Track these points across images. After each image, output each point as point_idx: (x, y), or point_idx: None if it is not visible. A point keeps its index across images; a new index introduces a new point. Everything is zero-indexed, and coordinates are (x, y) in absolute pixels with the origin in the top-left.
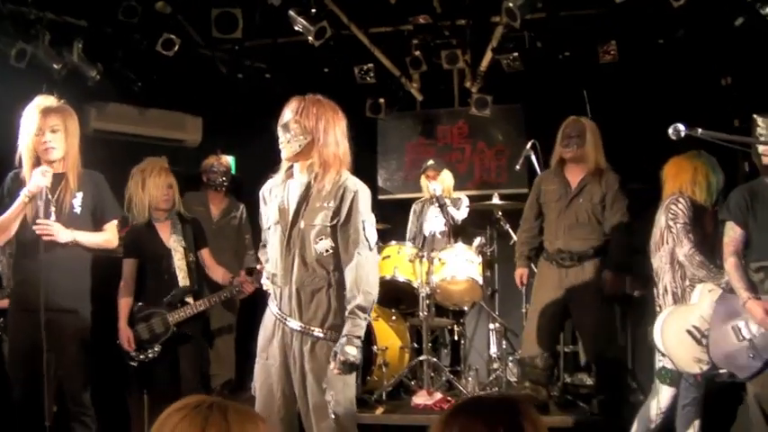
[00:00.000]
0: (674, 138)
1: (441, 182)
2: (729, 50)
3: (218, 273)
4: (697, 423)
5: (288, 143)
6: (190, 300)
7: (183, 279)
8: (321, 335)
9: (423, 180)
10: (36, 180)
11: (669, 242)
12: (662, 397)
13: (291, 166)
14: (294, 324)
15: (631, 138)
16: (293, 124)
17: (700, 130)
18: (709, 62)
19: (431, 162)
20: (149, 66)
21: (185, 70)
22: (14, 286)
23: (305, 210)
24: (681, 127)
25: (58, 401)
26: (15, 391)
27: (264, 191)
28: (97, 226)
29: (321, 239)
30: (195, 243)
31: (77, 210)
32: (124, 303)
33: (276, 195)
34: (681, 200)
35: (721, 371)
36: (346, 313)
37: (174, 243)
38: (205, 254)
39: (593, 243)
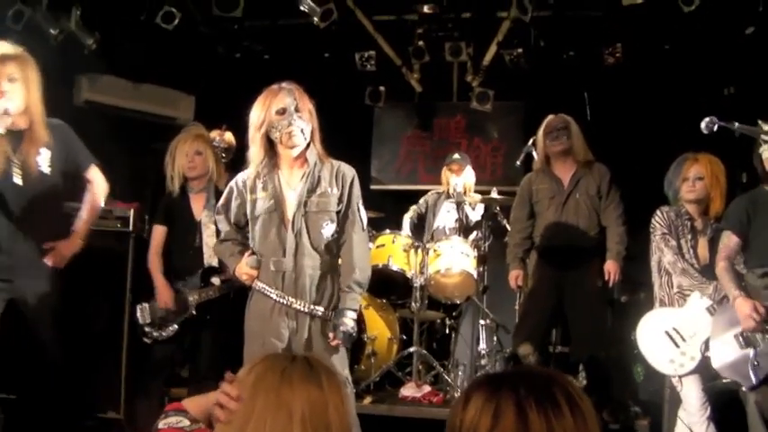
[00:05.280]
0: (705, 132)
1: (463, 178)
2: (735, 60)
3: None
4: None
5: (301, 132)
6: (216, 281)
7: (209, 257)
8: (327, 316)
9: (444, 172)
10: None
11: (655, 252)
12: (685, 399)
13: (275, 156)
14: (300, 306)
15: (628, 142)
16: (304, 113)
17: (737, 123)
18: (713, 70)
19: (456, 156)
20: (146, 39)
21: (182, 47)
22: None
23: (309, 197)
24: (716, 120)
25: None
26: None
27: (239, 183)
28: (72, 182)
29: (327, 224)
30: None
31: (45, 169)
32: (156, 263)
33: (262, 185)
34: (657, 212)
35: (725, 380)
36: (342, 288)
37: (206, 218)
38: None
39: (594, 237)
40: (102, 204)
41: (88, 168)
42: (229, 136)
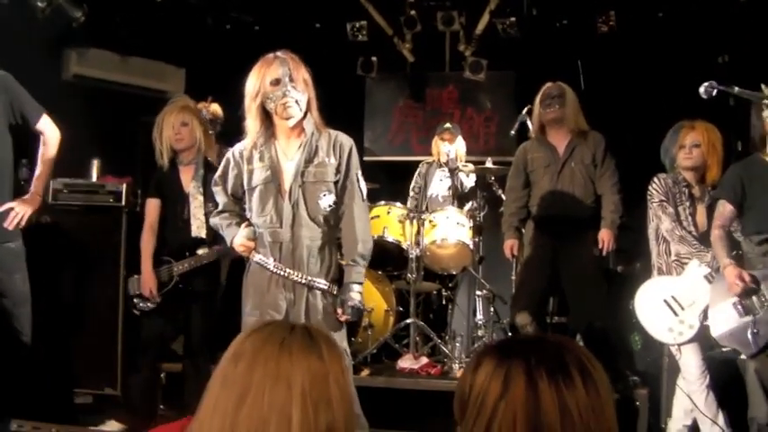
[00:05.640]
0: (704, 96)
1: (455, 147)
2: (730, 28)
3: None
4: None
5: (296, 103)
6: (202, 251)
7: (197, 229)
8: (326, 287)
9: (435, 141)
10: None
11: (653, 220)
12: (684, 368)
13: (272, 126)
14: (297, 277)
15: (623, 110)
16: (299, 83)
17: (736, 88)
18: (708, 38)
19: (448, 125)
20: (135, 12)
21: (171, 19)
22: None
23: (307, 167)
24: (715, 84)
25: None
26: None
27: (236, 154)
28: (16, 134)
29: (325, 195)
30: None
31: None
32: (148, 246)
33: (259, 156)
34: (654, 179)
35: (724, 349)
36: (346, 261)
37: (193, 189)
38: None
39: (590, 206)
40: (53, 161)
41: (38, 120)
42: (215, 107)
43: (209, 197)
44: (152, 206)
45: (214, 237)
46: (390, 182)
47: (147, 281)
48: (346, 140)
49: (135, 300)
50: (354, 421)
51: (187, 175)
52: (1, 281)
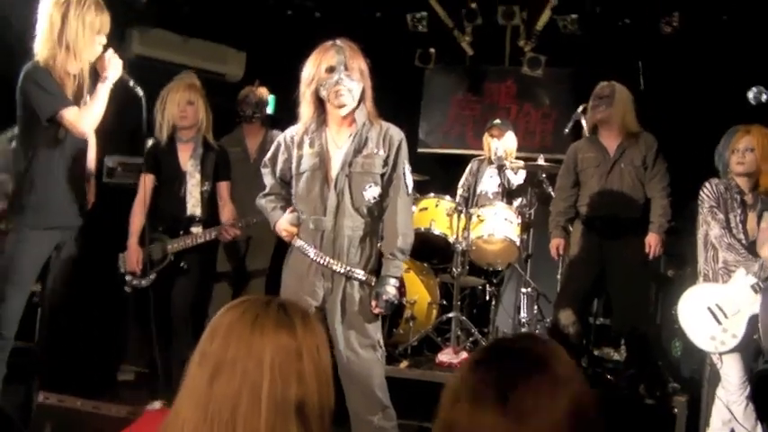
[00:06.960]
0: (753, 102)
1: (504, 143)
2: None
3: (225, 210)
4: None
5: (349, 91)
6: (196, 230)
7: (192, 207)
8: (364, 278)
9: (485, 138)
10: (116, 64)
11: (702, 225)
12: (725, 378)
13: (324, 113)
14: (337, 267)
15: (682, 113)
16: (354, 72)
17: None
18: None
19: (497, 121)
20: None
21: (234, 2)
22: (32, 204)
23: (355, 157)
24: (764, 90)
25: None
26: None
27: (287, 138)
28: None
29: (370, 186)
30: (216, 173)
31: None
32: (137, 221)
33: (309, 142)
34: (706, 184)
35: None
36: (385, 254)
37: (191, 168)
38: (223, 187)
39: (639, 208)
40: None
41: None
42: (261, 91)
43: (206, 176)
44: (147, 182)
45: (211, 216)
46: (442, 174)
47: (131, 255)
48: (397, 133)
49: (127, 277)
50: (331, 396)
51: (185, 152)
52: (67, 261)
